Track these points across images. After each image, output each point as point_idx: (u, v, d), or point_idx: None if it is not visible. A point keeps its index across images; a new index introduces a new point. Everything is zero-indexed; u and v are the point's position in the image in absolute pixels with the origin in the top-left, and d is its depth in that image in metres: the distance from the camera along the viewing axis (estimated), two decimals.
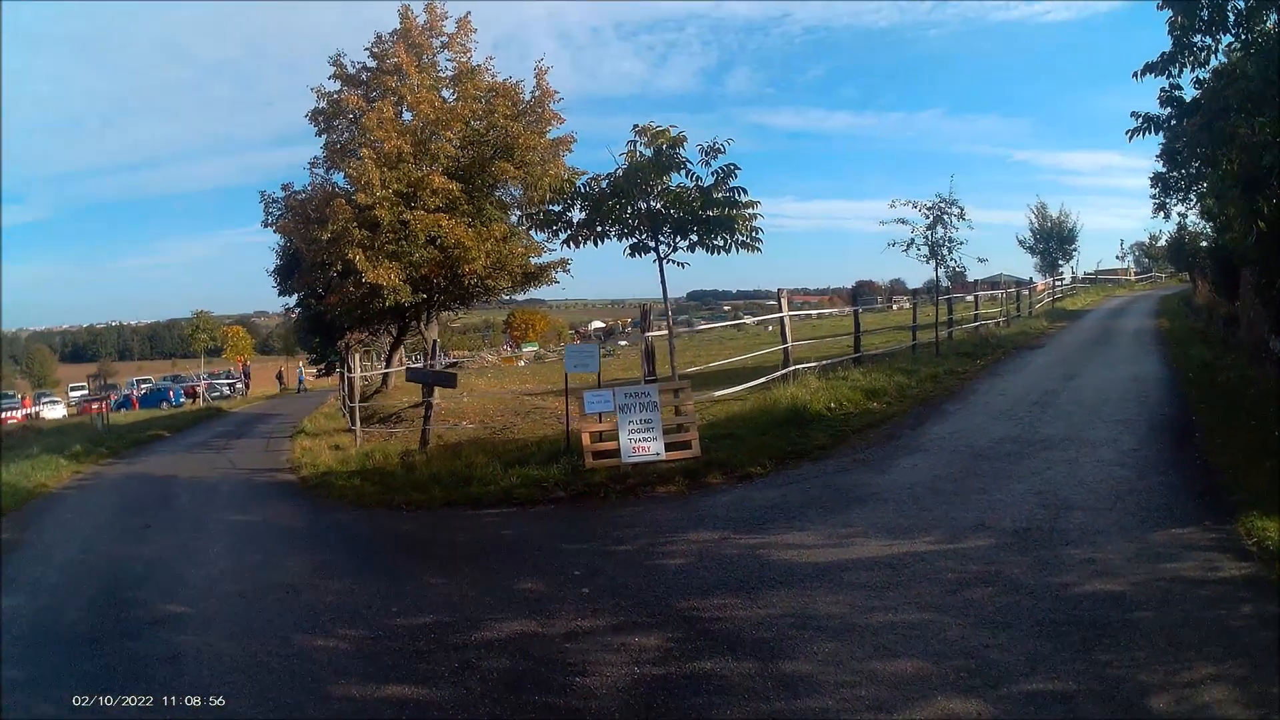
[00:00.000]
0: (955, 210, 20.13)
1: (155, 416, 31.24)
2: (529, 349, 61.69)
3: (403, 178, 16.38)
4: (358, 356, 17.34)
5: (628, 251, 11.29)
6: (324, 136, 19.05)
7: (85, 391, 56.08)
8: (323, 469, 13.76)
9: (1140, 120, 9.65)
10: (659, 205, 11.00)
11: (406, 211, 16.25)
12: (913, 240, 20.25)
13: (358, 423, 16.81)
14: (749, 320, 41.14)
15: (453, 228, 16.29)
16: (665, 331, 11.54)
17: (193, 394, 47.63)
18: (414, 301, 17.38)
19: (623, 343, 54.76)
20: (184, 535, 10.14)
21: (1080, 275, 53.24)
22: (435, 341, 15.01)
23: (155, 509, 12.08)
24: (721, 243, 11.07)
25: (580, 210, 11.43)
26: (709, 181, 10.88)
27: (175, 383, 52.95)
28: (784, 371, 15.36)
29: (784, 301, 16.15)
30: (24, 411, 44.00)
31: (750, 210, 11.12)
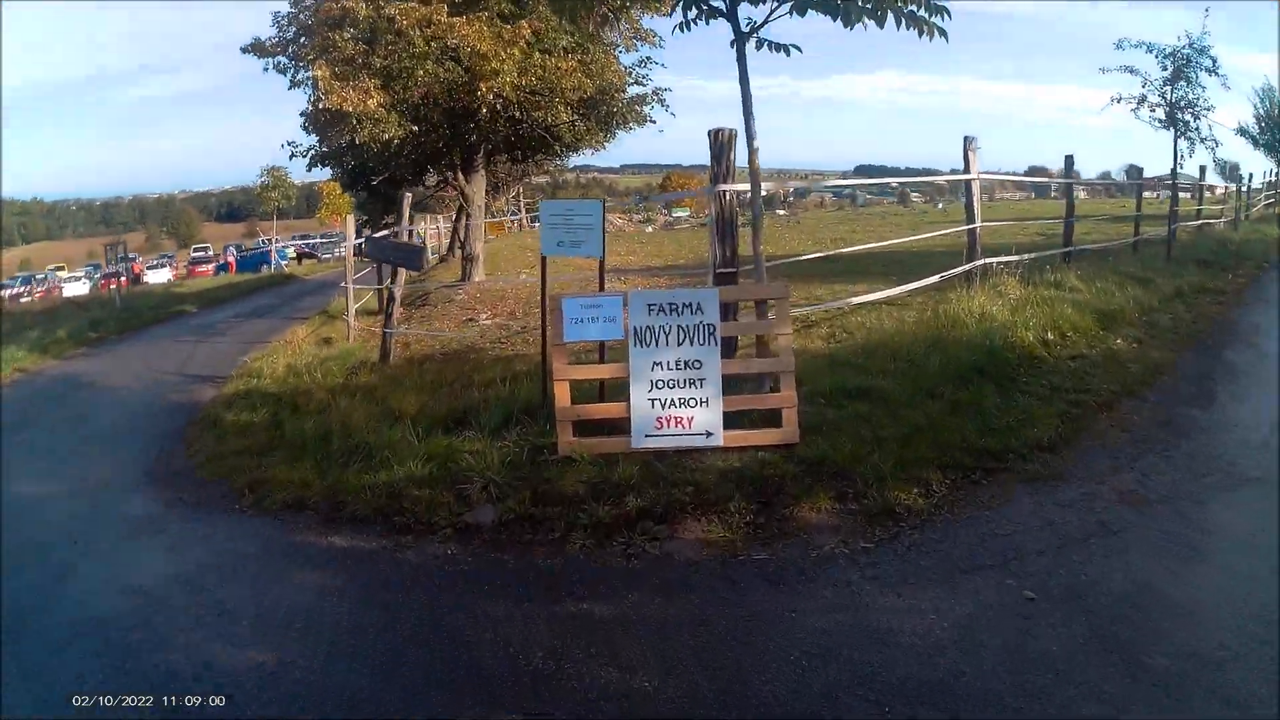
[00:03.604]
0: (1205, 62, 13.67)
1: (222, 284, 28.27)
2: (680, 214, 58.38)
3: None
4: (350, 218, 12.46)
5: (675, 21, 5.53)
6: None
7: (209, 251, 55.38)
8: (251, 384, 9.22)
9: None
10: None
11: (390, 4, 10.81)
12: (1144, 97, 14.27)
13: (351, 310, 12.08)
14: (916, 197, 34.81)
15: (460, 27, 10.74)
16: (747, 185, 5.82)
17: (308, 254, 45.82)
18: (401, 137, 12.10)
19: (780, 212, 48.94)
20: None
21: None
22: (399, 206, 9.49)
23: None
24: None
25: None
26: None
27: (303, 242, 51.54)
28: (968, 267, 9.59)
29: (973, 158, 9.91)
30: (128, 276, 42.80)
31: None
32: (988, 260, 9.89)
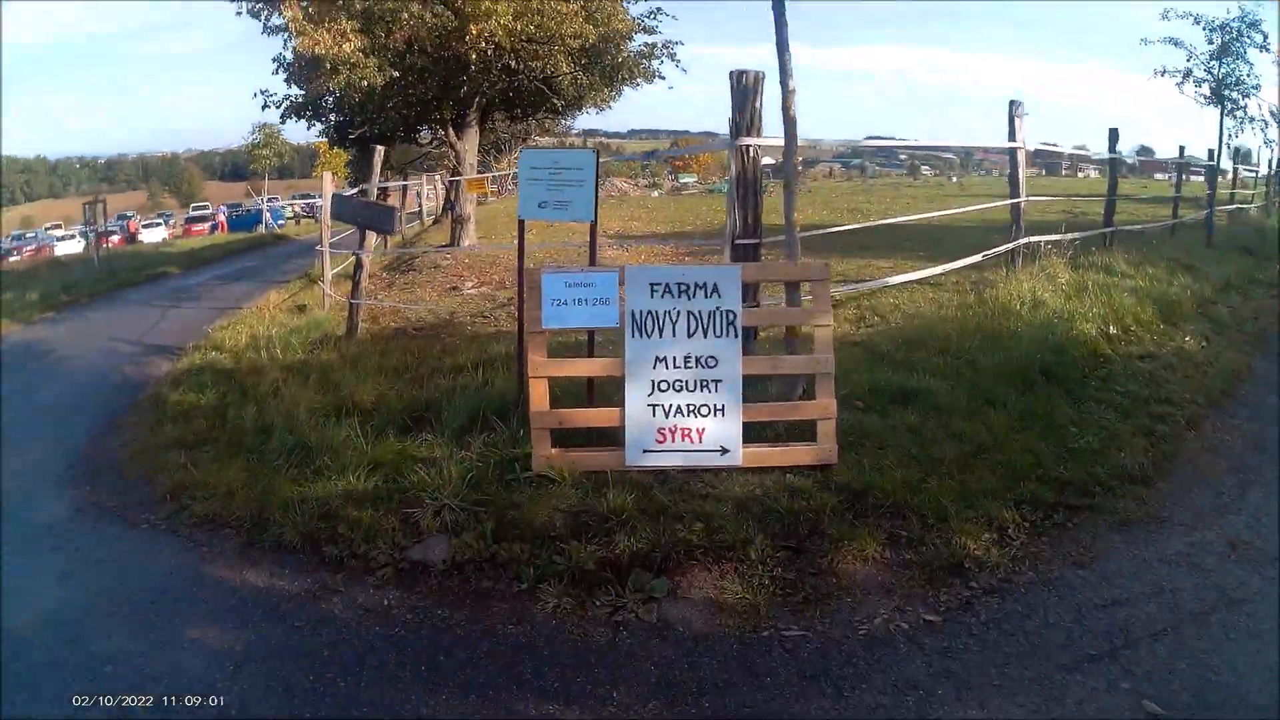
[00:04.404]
0: (1256, 37, 12.90)
1: (211, 245, 27.21)
2: (687, 179, 59.59)
3: None
4: (329, 176, 11.31)
5: None
6: None
7: (208, 210, 54.13)
8: (209, 358, 8.23)
9: None
10: None
11: None
12: (1189, 71, 13.55)
13: (328, 276, 11.00)
14: (927, 170, 33.72)
15: None
16: (780, 138, 4.69)
17: (307, 214, 44.73)
18: (382, 84, 10.93)
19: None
20: None
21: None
22: (371, 161, 8.31)
23: None
24: None
25: None
26: None
27: (303, 201, 50.22)
28: (1012, 245, 8.57)
29: (1019, 124, 8.77)
30: (123, 235, 41.75)
31: None
32: (1033, 239, 8.85)
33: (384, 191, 16.10)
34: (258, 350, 8.05)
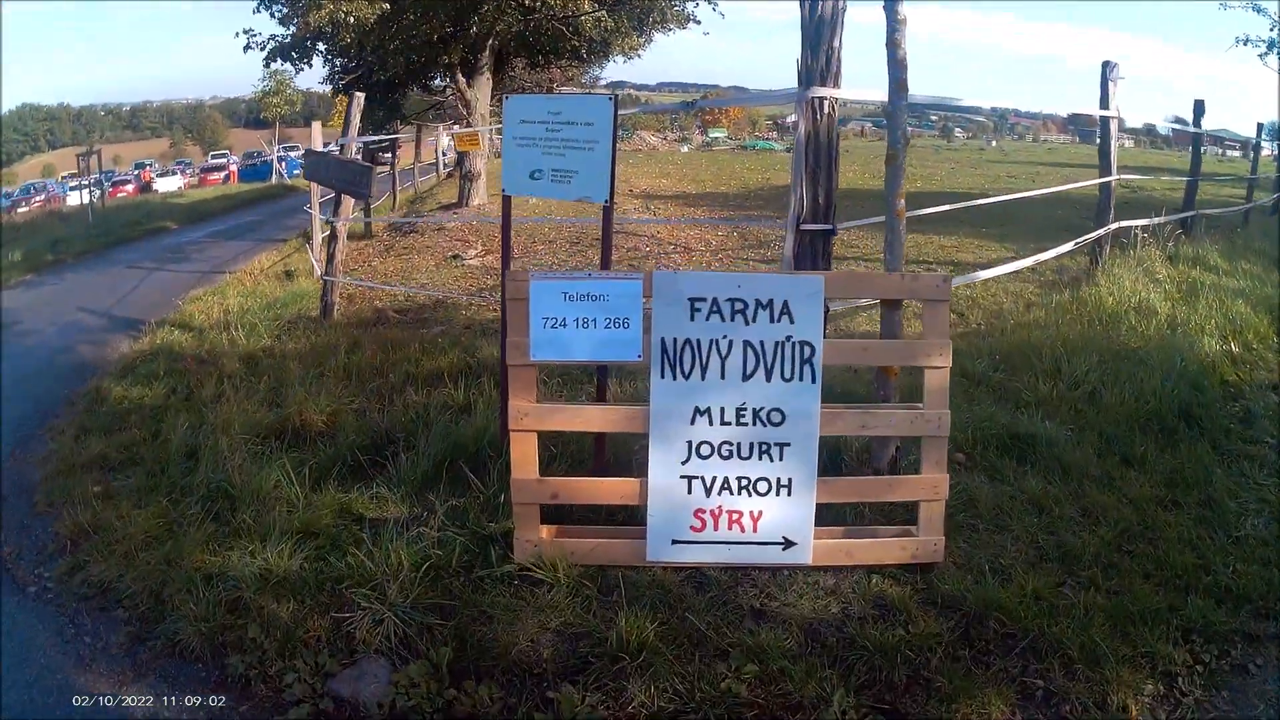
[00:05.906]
0: None
1: (222, 195, 26.27)
2: (716, 134, 59.77)
3: None
4: (318, 125, 10.08)
5: None
6: None
7: (227, 158, 53.02)
8: (169, 338, 7.17)
9: None
10: None
11: None
12: (1271, 43, 12.12)
13: (316, 240, 9.87)
14: (959, 133, 32.47)
15: None
16: (861, 93, 3.37)
17: None
18: (371, 18, 9.62)
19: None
20: None
21: None
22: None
23: None
24: None
25: None
26: None
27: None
28: (1103, 231, 7.43)
29: (1113, 89, 7.40)
30: (137, 184, 40.72)
31: None
32: (1126, 223, 7.64)
33: (392, 145, 14.89)
34: (224, 330, 7.02)
